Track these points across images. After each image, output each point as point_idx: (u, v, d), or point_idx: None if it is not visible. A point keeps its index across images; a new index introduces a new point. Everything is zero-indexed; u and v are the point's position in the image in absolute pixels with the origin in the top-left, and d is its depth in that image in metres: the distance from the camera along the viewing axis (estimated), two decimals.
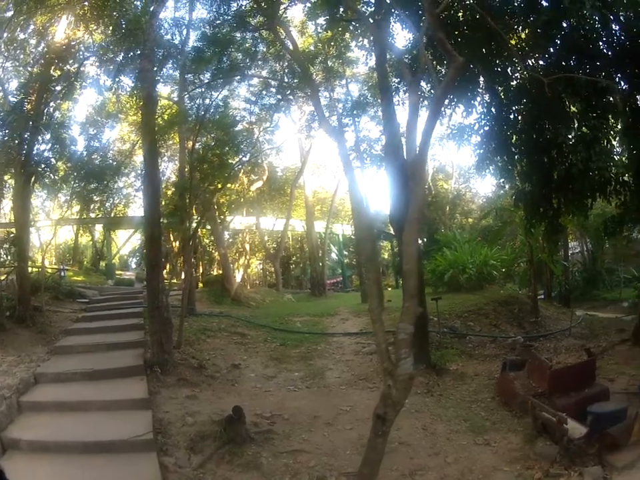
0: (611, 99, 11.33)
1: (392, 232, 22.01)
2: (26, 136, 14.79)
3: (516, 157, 13.32)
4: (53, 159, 17.69)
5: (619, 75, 11.49)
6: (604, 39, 11.30)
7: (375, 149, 22.66)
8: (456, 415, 10.58)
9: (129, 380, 10.28)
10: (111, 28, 16.69)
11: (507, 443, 9.09)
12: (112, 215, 35.00)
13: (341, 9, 13.75)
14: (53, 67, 16.54)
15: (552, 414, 8.53)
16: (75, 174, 25.63)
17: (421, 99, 13.28)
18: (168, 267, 21.31)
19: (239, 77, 19.00)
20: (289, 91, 21.52)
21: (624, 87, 11.63)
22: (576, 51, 10.99)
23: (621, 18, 10.90)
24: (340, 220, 45.64)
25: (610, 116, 11.88)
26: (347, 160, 10.98)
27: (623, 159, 13.47)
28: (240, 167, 20.33)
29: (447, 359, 13.95)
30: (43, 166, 16.23)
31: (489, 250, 25.81)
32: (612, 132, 12.49)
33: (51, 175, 19.19)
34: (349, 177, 9.54)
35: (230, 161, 17.25)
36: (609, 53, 11.38)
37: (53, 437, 7.94)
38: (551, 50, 11.79)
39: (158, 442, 8.07)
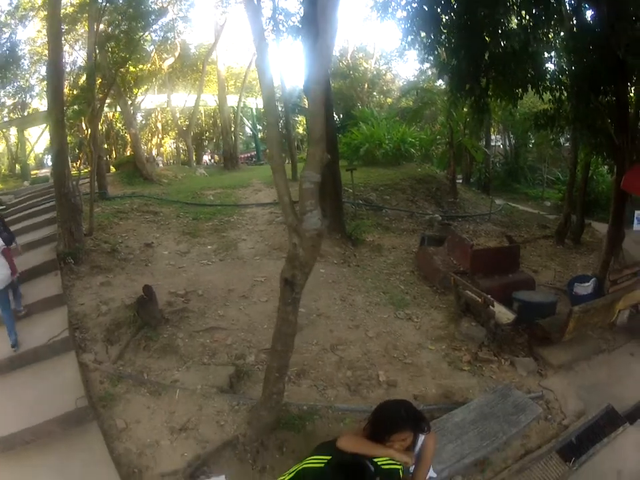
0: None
1: (307, 106, 21.15)
2: None
3: (443, 36, 12.64)
4: None
5: None
6: None
7: (292, 21, 21.52)
8: (374, 287, 10.51)
9: (44, 278, 9.67)
10: None
11: (430, 319, 9.08)
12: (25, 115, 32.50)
13: None
14: None
15: (477, 294, 8.41)
16: None
17: None
18: (82, 156, 20.99)
19: None
20: None
21: None
22: None
23: None
24: (254, 94, 44.08)
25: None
26: (259, 28, 9.97)
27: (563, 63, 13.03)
28: (150, 43, 18.91)
29: (363, 230, 13.83)
30: None
31: (407, 128, 25.56)
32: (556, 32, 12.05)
33: None
34: (257, 44, 8.51)
35: (136, 37, 15.95)
36: None
37: None
38: None
39: (76, 339, 7.60)
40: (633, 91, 12.00)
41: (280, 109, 33.86)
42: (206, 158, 36.72)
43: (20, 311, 8.21)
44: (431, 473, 4.30)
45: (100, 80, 14.51)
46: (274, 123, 5.14)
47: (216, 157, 39.52)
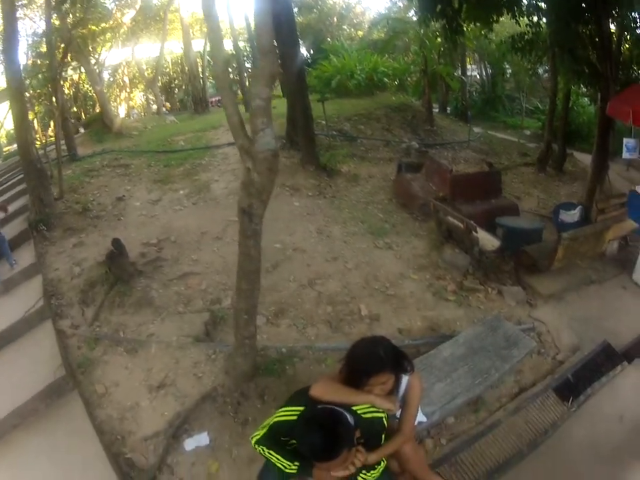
0: None
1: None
2: None
3: None
4: None
5: None
6: None
7: None
8: (352, 217, 10.28)
9: (19, 250, 9.44)
10: None
11: (411, 247, 8.84)
12: None
13: None
14: None
15: (459, 219, 8.11)
16: None
17: None
18: (53, 125, 19.97)
19: None
20: None
21: None
22: None
23: None
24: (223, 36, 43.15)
25: None
26: None
27: None
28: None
29: (338, 160, 13.46)
30: None
31: (379, 58, 25.13)
32: None
33: None
34: None
35: None
36: None
37: None
38: None
39: (52, 306, 7.30)
40: (614, 24, 11.53)
41: (247, 49, 33.22)
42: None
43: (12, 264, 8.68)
44: (421, 417, 4.06)
45: (60, 43, 14.40)
46: (216, 38, 4.63)
47: (167, 104, 38.53)
